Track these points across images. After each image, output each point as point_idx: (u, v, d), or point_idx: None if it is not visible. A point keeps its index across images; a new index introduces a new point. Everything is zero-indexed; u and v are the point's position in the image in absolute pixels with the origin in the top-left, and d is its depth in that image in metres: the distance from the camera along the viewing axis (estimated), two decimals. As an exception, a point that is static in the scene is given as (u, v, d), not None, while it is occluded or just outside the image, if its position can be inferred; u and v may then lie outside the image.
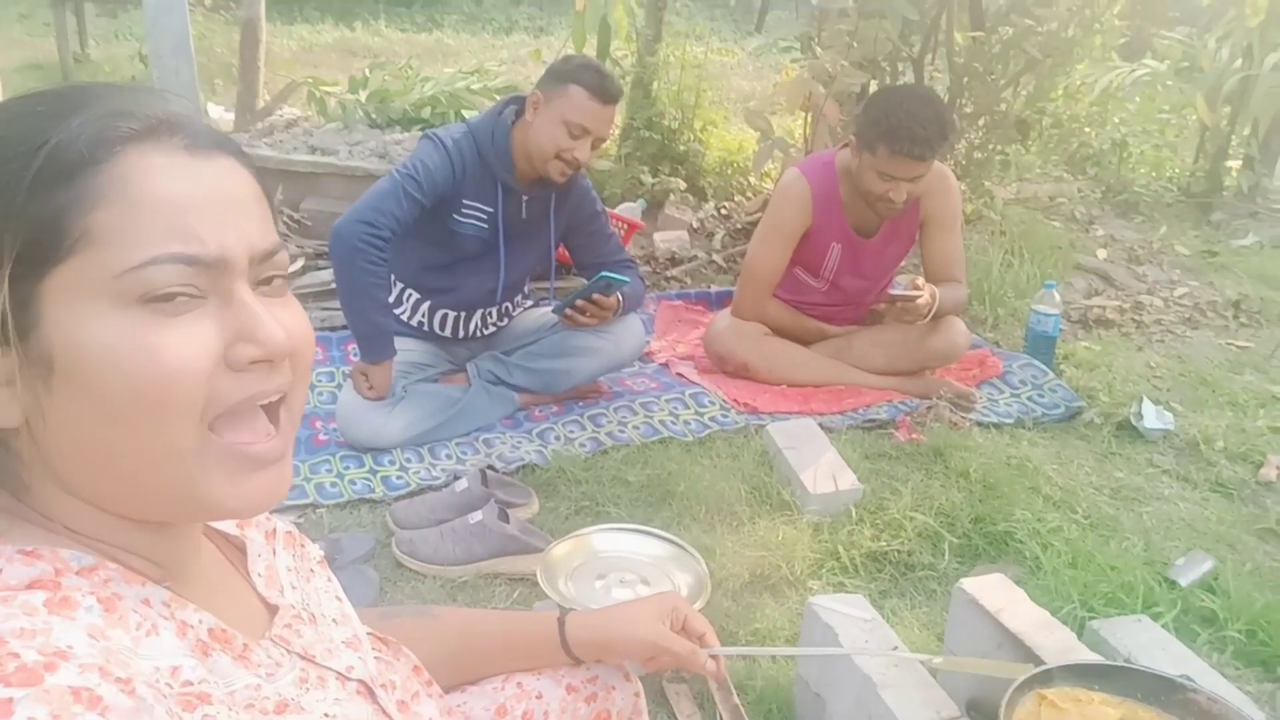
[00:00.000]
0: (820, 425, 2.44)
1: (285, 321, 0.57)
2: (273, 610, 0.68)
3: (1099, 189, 5.19)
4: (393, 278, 2.46)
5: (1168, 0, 3.88)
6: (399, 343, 2.36)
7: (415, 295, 2.50)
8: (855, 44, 3.22)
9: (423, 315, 2.51)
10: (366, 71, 4.61)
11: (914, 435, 2.48)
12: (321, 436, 2.37)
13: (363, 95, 4.31)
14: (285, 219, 3.44)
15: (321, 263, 3.24)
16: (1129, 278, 4.01)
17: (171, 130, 0.55)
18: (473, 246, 2.42)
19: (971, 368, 2.90)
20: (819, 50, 3.40)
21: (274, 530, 0.76)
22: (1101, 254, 4.27)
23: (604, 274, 2.40)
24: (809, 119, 3.80)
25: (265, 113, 4.38)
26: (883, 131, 2.45)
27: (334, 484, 2.18)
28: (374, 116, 4.18)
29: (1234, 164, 5.32)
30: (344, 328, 2.76)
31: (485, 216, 2.39)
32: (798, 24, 4.01)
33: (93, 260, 0.51)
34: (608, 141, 2.72)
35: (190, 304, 0.53)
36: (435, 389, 2.46)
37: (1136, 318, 3.58)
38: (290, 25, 10.51)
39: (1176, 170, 5.52)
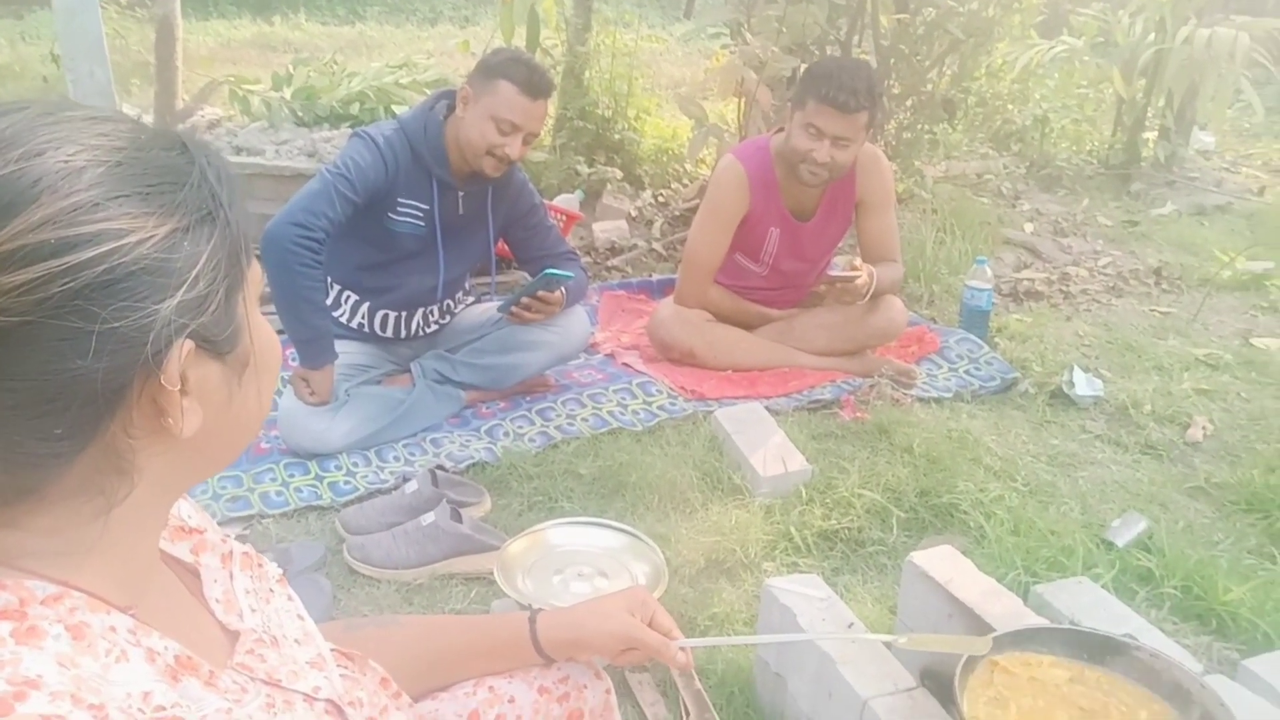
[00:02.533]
0: (767, 408, 2.47)
1: None
2: (233, 636, 0.67)
3: (1023, 164, 5.33)
4: (329, 279, 2.41)
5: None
6: (339, 345, 2.32)
7: (354, 297, 2.46)
8: (784, 30, 3.24)
9: (362, 316, 2.47)
10: (290, 68, 4.49)
11: (858, 414, 2.53)
12: (264, 445, 2.32)
13: (287, 93, 4.20)
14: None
15: (254, 266, 3.17)
16: (1055, 250, 4.13)
17: None
18: (410, 244, 2.39)
19: (910, 345, 2.96)
20: (749, 36, 3.42)
21: (230, 553, 0.74)
22: (1028, 228, 4.39)
23: (548, 271, 2.39)
24: (742, 104, 3.82)
25: (186, 114, 4.24)
26: (813, 80, 2.51)
27: (279, 493, 2.14)
28: (300, 114, 4.08)
29: (1150, 135, 5.50)
30: (282, 332, 2.70)
31: (421, 214, 2.36)
32: (726, 10, 4.02)
33: (254, 268, 0.61)
34: (540, 135, 2.70)
35: None
36: (379, 391, 2.42)
37: (1064, 288, 3.69)
38: (205, 21, 10.19)
39: (1096, 143, 5.70)
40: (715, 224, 2.74)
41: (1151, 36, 5.06)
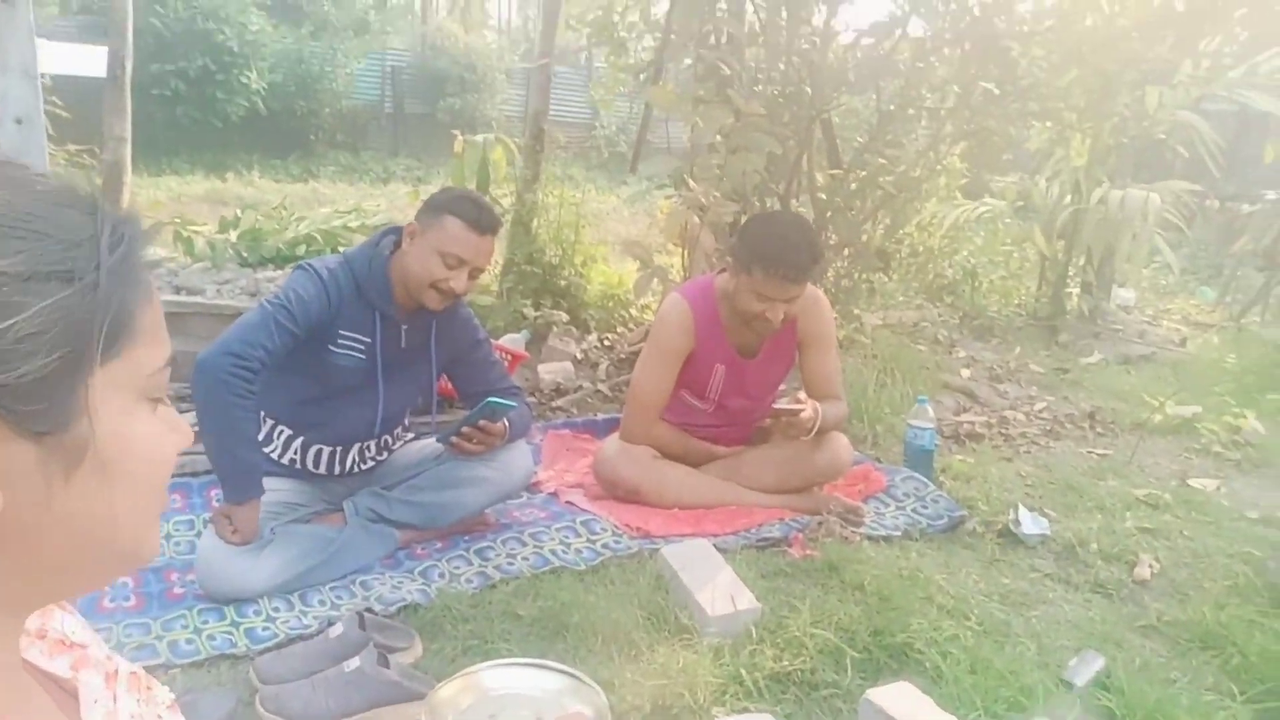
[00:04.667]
0: (715, 546, 2.40)
1: None
2: None
3: (956, 315, 5.53)
4: (262, 414, 2.33)
5: (1000, 147, 4.27)
6: (268, 482, 2.21)
7: (287, 432, 2.37)
8: (724, 177, 3.38)
9: (294, 452, 2.38)
10: (239, 212, 4.52)
11: (808, 551, 2.47)
12: (177, 589, 2.17)
13: (233, 235, 4.21)
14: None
15: (183, 405, 3.06)
16: (992, 394, 4.23)
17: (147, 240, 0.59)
18: (350, 378, 2.33)
19: (857, 483, 2.94)
20: (692, 184, 3.55)
21: (115, 671, 0.66)
22: (965, 373, 4.50)
23: (491, 400, 2.35)
24: (686, 252, 3.93)
25: (128, 255, 4.21)
26: (758, 255, 2.54)
27: (190, 640, 1.97)
28: (245, 255, 4.08)
29: (1074, 290, 5.78)
30: (206, 472, 2.58)
31: (363, 347, 2.32)
32: (670, 161, 4.20)
33: (137, 356, 0.54)
34: (486, 271, 2.71)
35: None
36: (308, 529, 2.30)
37: (1003, 431, 3.75)
38: (158, 176, 10.36)
39: (1023, 297, 5.96)
40: (661, 361, 2.74)
41: (1068, 199, 5.40)
